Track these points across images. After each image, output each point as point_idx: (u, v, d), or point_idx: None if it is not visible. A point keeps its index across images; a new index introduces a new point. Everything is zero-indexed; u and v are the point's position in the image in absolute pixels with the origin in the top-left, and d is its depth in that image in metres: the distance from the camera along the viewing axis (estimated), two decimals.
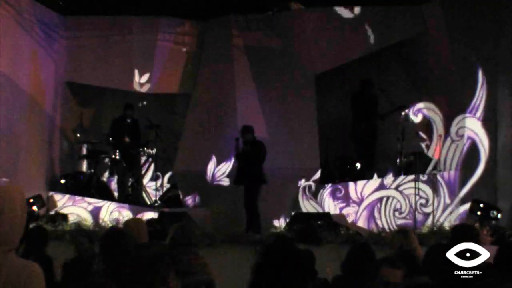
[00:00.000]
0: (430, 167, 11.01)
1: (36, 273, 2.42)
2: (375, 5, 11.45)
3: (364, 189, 10.87)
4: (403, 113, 11.15)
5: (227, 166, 11.44)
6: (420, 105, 11.71)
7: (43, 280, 2.47)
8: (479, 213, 9.88)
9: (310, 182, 11.09)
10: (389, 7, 11.39)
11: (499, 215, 9.80)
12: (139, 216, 10.19)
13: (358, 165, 11.27)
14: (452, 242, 4.70)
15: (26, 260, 2.46)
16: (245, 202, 10.09)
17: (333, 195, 10.97)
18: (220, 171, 11.47)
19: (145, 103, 12.90)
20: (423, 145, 11.46)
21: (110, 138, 11.53)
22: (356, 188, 10.89)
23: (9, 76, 10.24)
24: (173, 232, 5.26)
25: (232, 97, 11.59)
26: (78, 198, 10.98)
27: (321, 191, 11.01)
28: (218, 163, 11.51)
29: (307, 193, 11.05)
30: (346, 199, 10.92)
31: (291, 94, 11.52)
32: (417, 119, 11.75)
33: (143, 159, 12.00)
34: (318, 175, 11.14)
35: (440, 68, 11.13)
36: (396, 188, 10.71)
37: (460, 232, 5.08)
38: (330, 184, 11.07)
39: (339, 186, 11.00)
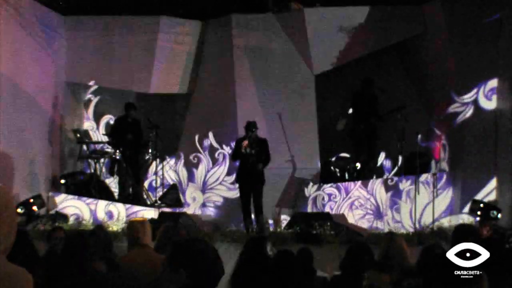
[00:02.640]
0: (431, 168, 10.98)
1: (26, 280, 2.39)
2: (375, 5, 11.45)
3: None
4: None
5: (222, 170, 11.43)
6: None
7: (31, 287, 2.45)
8: (479, 213, 9.87)
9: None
10: (389, 7, 11.39)
11: (499, 215, 9.79)
12: (139, 216, 10.19)
13: (358, 165, 11.26)
14: (454, 242, 4.70)
15: (17, 265, 2.43)
16: (255, 202, 9.98)
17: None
18: (213, 177, 11.46)
19: (145, 103, 12.88)
20: (437, 144, 11.21)
21: (111, 138, 11.51)
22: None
23: (9, 76, 10.24)
24: (159, 234, 5.30)
25: (232, 96, 11.59)
26: (78, 198, 10.97)
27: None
28: (214, 163, 11.52)
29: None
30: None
31: (291, 94, 11.51)
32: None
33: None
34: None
35: (440, 68, 11.13)
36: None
37: (461, 232, 5.09)
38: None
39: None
